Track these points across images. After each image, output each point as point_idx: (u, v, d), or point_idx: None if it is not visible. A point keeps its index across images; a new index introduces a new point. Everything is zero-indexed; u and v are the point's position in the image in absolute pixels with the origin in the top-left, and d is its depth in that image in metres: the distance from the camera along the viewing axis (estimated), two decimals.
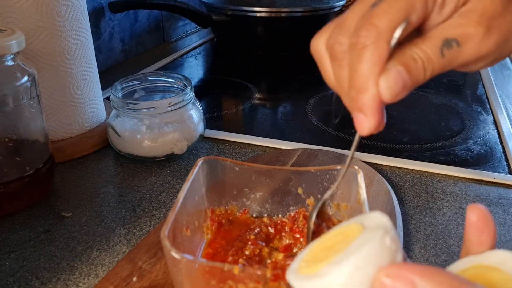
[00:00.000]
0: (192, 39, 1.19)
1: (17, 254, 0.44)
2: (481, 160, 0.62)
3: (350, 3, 1.27)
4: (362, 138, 0.39)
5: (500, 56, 0.30)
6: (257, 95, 0.84)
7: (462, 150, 0.65)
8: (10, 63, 0.47)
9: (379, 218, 0.24)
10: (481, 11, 0.27)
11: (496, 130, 0.71)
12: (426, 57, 0.28)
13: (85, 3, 0.61)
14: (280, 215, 0.44)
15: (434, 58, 0.28)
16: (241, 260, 0.38)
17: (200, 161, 0.41)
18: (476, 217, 0.26)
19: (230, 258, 0.38)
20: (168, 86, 0.65)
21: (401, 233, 0.46)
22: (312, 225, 0.38)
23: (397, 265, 0.21)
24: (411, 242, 0.46)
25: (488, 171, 0.59)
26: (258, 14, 1.00)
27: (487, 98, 0.83)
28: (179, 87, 0.63)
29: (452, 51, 0.28)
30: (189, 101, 0.60)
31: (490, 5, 0.28)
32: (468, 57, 0.28)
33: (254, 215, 0.44)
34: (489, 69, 0.95)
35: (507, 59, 1.03)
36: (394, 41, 0.27)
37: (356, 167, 0.39)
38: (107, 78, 0.79)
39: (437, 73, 0.28)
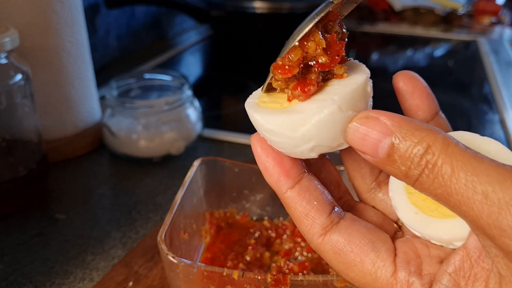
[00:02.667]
0: (190, 35, 1.18)
1: (10, 257, 0.43)
2: None
3: None
4: None
5: None
6: None
7: None
8: (3, 61, 0.46)
9: (360, 65, 0.24)
10: None
11: (502, 130, 0.70)
12: None
13: None
14: (281, 218, 0.43)
15: None
16: (241, 265, 0.37)
17: (198, 162, 0.40)
18: (402, 82, 0.25)
19: (229, 263, 0.37)
20: (165, 84, 0.64)
21: None
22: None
23: (376, 110, 0.21)
24: None
25: None
26: (258, 10, 0.99)
27: (493, 97, 0.82)
28: (176, 85, 0.62)
29: None
30: (187, 100, 0.59)
31: None
32: None
33: (254, 218, 0.43)
34: (495, 68, 0.94)
35: None
36: None
37: None
38: (102, 76, 0.78)
39: None
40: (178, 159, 0.60)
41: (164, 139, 0.58)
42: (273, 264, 0.38)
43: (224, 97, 0.84)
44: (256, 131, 0.25)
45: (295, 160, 0.24)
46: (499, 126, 0.71)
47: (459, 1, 1.29)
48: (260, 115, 0.23)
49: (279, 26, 1.02)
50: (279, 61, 0.23)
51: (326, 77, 0.23)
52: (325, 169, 0.28)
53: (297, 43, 0.22)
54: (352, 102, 0.22)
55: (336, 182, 0.28)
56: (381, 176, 0.27)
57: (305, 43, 0.22)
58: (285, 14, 1.00)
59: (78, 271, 0.41)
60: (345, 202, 0.28)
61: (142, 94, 0.64)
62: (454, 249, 0.23)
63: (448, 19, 1.26)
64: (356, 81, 0.22)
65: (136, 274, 0.40)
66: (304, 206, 0.23)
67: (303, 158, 0.23)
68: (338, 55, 0.22)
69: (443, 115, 0.26)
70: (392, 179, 0.26)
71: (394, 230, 0.26)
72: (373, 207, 0.28)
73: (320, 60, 0.22)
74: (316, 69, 0.22)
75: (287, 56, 0.22)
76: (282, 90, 0.24)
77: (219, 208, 0.43)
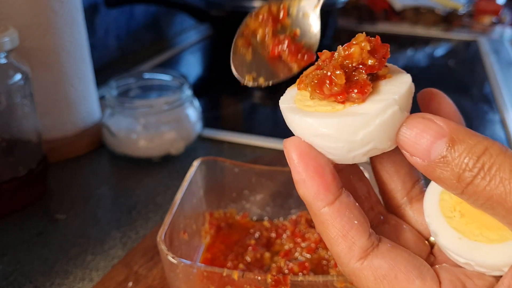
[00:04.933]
0: (190, 35, 1.18)
1: (10, 257, 0.43)
2: None
3: None
4: None
5: None
6: (258, 94, 0.82)
7: None
8: (3, 61, 0.46)
9: (391, 65, 0.24)
10: None
11: (503, 130, 0.70)
12: None
13: None
14: (281, 218, 0.43)
15: None
16: (241, 265, 0.37)
17: (197, 162, 0.40)
18: (428, 100, 0.25)
19: (229, 263, 0.37)
20: (164, 84, 0.64)
21: None
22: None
23: (430, 114, 0.20)
24: None
25: None
26: None
27: (494, 97, 0.82)
28: (176, 85, 0.62)
29: None
30: (186, 100, 0.59)
31: None
32: None
33: (254, 219, 0.43)
34: (495, 67, 0.94)
35: None
36: None
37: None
38: (102, 76, 0.78)
39: None
40: (178, 159, 0.60)
41: (164, 139, 0.57)
42: (273, 265, 0.37)
43: (223, 97, 0.84)
44: (293, 134, 0.23)
45: (335, 171, 0.22)
46: (500, 126, 0.71)
47: (460, 1, 1.29)
48: (313, 119, 0.21)
49: None
50: (314, 79, 0.22)
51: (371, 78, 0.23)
52: (355, 176, 0.26)
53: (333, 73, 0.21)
54: (407, 102, 0.21)
55: (367, 190, 0.26)
56: (413, 191, 0.26)
57: (346, 48, 0.22)
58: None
59: (78, 271, 0.41)
60: (377, 214, 0.26)
61: (142, 94, 0.63)
62: (499, 276, 0.22)
63: (449, 19, 1.26)
64: (404, 80, 0.22)
65: (136, 274, 0.40)
66: (343, 225, 0.21)
67: (352, 163, 0.22)
68: (384, 57, 0.22)
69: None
70: (427, 203, 0.24)
71: (427, 252, 0.25)
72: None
73: (369, 62, 0.21)
74: (364, 71, 0.22)
75: (331, 79, 0.21)
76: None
77: (219, 208, 0.43)
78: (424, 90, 0.25)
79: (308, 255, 0.39)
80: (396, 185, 0.26)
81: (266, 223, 0.42)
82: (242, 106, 0.78)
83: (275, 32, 0.28)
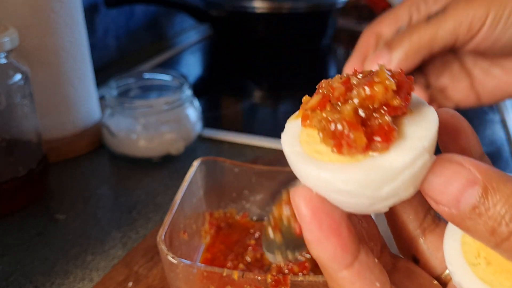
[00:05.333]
0: (190, 35, 1.18)
1: (10, 257, 0.43)
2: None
3: None
4: None
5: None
6: (257, 94, 0.83)
7: None
8: (2, 61, 0.46)
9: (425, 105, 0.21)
10: None
11: (503, 130, 0.70)
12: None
13: None
14: None
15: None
16: (241, 265, 0.37)
17: (197, 162, 0.40)
18: (445, 122, 0.22)
19: (229, 263, 0.37)
20: (164, 84, 0.64)
21: None
22: None
23: (457, 155, 0.18)
24: None
25: None
26: (258, 10, 0.99)
27: None
28: (176, 85, 0.62)
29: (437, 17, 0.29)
30: (186, 100, 0.59)
31: None
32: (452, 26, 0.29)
33: (254, 219, 0.43)
34: None
35: None
36: None
37: None
38: (101, 76, 0.78)
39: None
40: (178, 159, 0.60)
41: (164, 139, 0.57)
42: (273, 265, 0.38)
43: (223, 97, 0.84)
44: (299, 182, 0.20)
45: (351, 226, 0.19)
46: (500, 126, 0.71)
47: None
48: (330, 173, 0.18)
49: (279, 26, 1.02)
50: (325, 125, 0.19)
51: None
52: (365, 220, 0.23)
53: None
54: (435, 144, 0.19)
55: (374, 233, 0.23)
56: (425, 221, 0.23)
57: (367, 88, 0.18)
58: (285, 14, 1.00)
59: (78, 271, 0.41)
60: (387, 261, 0.23)
61: (142, 94, 0.63)
62: None
63: None
64: (429, 117, 0.19)
65: (136, 274, 0.40)
66: None
67: (370, 213, 0.21)
68: (409, 93, 0.19)
69: (486, 156, 0.23)
70: (448, 248, 0.22)
71: None
72: (414, 255, 0.24)
73: (395, 103, 0.18)
74: (388, 113, 0.18)
75: (349, 140, 0.18)
76: None
77: (219, 208, 0.43)
78: (446, 120, 0.22)
79: (308, 255, 0.39)
80: (408, 216, 0.23)
81: (266, 223, 0.42)
82: (242, 106, 0.78)
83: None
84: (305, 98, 0.21)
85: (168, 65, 0.97)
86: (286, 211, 0.26)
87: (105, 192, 0.53)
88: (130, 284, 0.39)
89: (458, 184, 0.18)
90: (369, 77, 0.19)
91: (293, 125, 0.22)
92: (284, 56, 1.03)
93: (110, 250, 0.44)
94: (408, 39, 0.35)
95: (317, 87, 0.21)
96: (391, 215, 0.24)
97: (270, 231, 0.26)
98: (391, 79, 0.18)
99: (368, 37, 0.40)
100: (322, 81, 0.21)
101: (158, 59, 0.98)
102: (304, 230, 0.19)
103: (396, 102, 0.18)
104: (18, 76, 0.47)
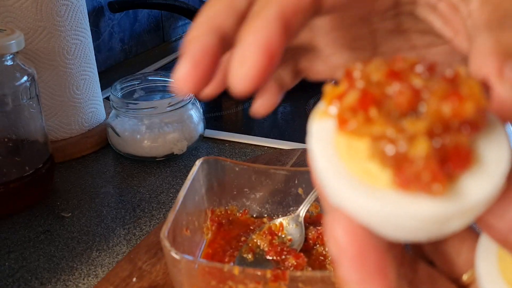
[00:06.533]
0: None
1: (16, 254, 0.44)
2: None
3: None
4: None
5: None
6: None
7: None
8: (9, 63, 0.47)
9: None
10: None
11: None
12: None
13: (84, 2, 0.61)
14: (280, 216, 0.44)
15: None
16: None
17: (200, 161, 0.41)
18: None
19: (228, 258, 0.38)
20: (168, 86, 0.65)
21: None
22: None
23: None
24: None
25: None
26: None
27: None
28: None
29: None
30: (189, 101, 0.60)
31: None
32: None
33: (254, 215, 0.44)
34: None
35: None
36: None
37: None
38: (106, 78, 0.79)
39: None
40: (181, 158, 0.61)
41: (167, 139, 0.58)
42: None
43: (225, 99, 0.84)
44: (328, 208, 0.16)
45: (393, 260, 0.16)
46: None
47: None
48: (393, 207, 0.14)
49: None
50: (381, 143, 0.14)
51: None
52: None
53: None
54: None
55: (401, 255, 0.19)
56: None
57: (453, 105, 0.13)
58: None
59: (83, 268, 0.42)
60: (409, 268, 0.20)
61: (146, 95, 0.64)
62: None
63: None
64: (498, 131, 0.15)
65: (140, 270, 0.40)
66: None
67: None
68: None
69: None
70: (482, 265, 0.18)
71: None
72: (430, 261, 0.21)
73: (478, 120, 0.14)
74: (467, 133, 0.14)
75: (419, 174, 0.13)
76: None
77: (220, 205, 0.44)
78: None
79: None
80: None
81: (265, 220, 0.43)
82: (242, 107, 0.79)
83: (272, 241, 0.40)
84: (330, 87, 0.16)
85: (171, 68, 0.98)
86: (263, 240, 0.39)
87: (110, 191, 0.54)
88: (134, 279, 0.39)
89: None
90: (443, 82, 0.14)
91: (323, 128, 0.16)
92: None
93: (114, 247, 0.45)
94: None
95: (344, 73, 0.15)
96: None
97: (245, 250, 0.35)
98: (482, 92, 0.14)
99: (207, 38, 0.19)
100: (351, 65, 0.15)
101: (162, 62, 0.99)
102: (343, 267, 0.15)
103: (481, 119, 0.14)
104: (24, 78, 0.48)
